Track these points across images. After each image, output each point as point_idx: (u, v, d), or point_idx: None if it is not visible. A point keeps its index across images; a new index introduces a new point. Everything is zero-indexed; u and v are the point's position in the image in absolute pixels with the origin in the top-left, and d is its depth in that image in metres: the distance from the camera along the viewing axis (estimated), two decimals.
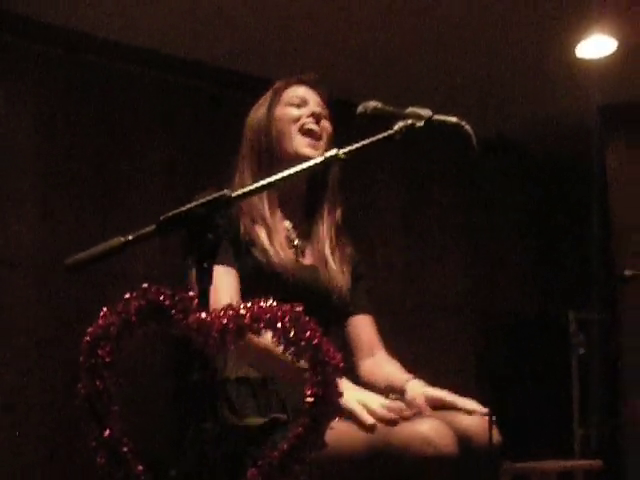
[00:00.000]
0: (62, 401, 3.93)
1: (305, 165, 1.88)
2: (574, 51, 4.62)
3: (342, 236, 2.58)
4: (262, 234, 2.39)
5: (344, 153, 1.89)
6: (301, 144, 2.47)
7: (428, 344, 5.32)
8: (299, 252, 2.47)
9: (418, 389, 2.31)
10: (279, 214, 2.48)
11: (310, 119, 2.50)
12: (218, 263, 1.88)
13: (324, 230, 2.52)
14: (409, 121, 2.01)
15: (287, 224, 2.50)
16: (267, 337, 2.07)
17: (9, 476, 3.82)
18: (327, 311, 2.39)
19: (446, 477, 1.91)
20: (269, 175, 1.98)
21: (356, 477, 2.00)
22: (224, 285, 2.30)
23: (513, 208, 5.89)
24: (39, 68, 4.17)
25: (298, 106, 2.52)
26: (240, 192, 1.74)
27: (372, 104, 2.25)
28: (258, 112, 2.55)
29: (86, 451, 1.63)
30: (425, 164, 5.34)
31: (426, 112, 2.03)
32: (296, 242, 2.48)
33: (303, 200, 2.55)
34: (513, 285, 5.81)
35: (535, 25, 4.36)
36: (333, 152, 1.88)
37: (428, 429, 1.94)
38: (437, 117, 2.02)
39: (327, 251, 2.48)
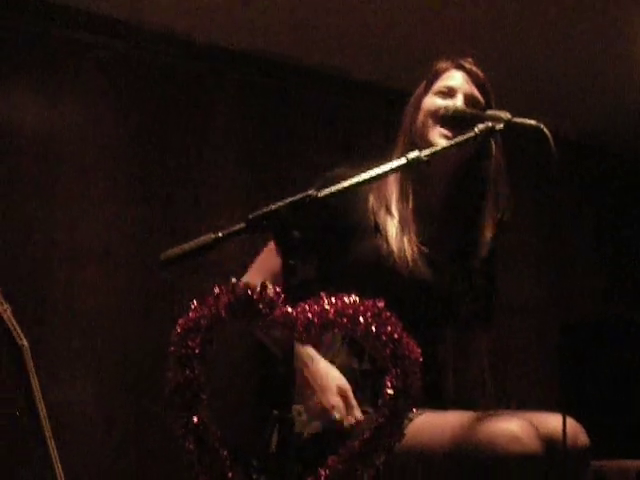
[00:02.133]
0: (147, 390, 4.03)
1: (388, 166, 1.89)
2: None
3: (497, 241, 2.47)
4: (391, 224, 2.31)
5: (426, 155, 1.93)
6: (435, 133, 2.34)
7: (509, 342, 5.32)
8: (426, 253, 2.34)
9: None
10: (410, 209, 2.36)
11: (446, 112, 2.35)
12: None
13: (480, 233, 2.41)
14: (489, 123, 2.06)
15: (419, 221, 2.37)
16: None
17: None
18: (440, 315, 2.39)
19: (531, 476, 1.91)
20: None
21: (439, 470, 2.01)
22: (264, 264, 2.33)
23: (591, 204, 5.85)
24: (114, 69, 4.22)
25: (444, 95, 2.40)
26: (328, 192, 1.79)
27: (453, 106, 2.31)
28: (414, 96, 2.46)
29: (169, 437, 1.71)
30: None
31: (505, 114, 2.07)
32: (425, 243, 2.35)
33: (444, 200, 2.42)
34: (595, 282, 5.78)
35: (601, 22, 4.32)
36: (415, 154, 1.91)
37: (516, 427, 1.93)
38: (516, 119, 2.06)
39: (476, 259, 2.39)
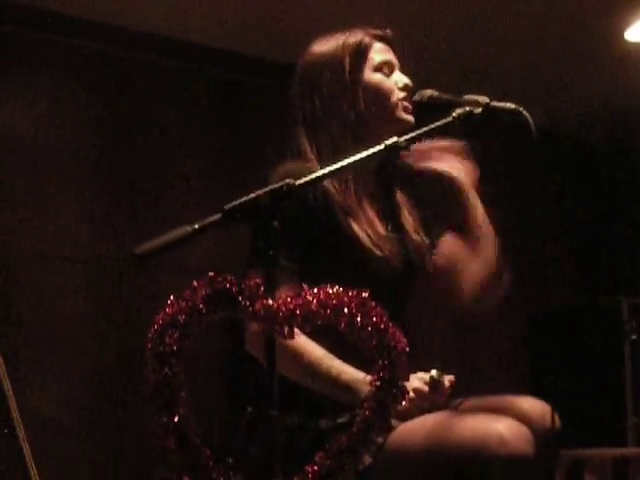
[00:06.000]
0: (119, 396, 3.97)
1: (369, 152, 1.84)
2: (623, 35, 4.58)
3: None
4: (360, 216, 2.22)
5: (405, 140, 1.88)
6: (401, 109, 2.27)
7: (478, 332, 5.31)
8: (393, 233, 2.28)
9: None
10: (368, 198, 2.27)
11: (404, 93, 2.29)
12: (282, 276, 1.82)
13: (405, 202, 2.38)
14: (467, 108, 2.02)
15: (374, 205, 2.29)
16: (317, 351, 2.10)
17: None
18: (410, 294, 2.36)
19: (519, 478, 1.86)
20: (352, 146, 2.00)
21: (425, 471, 1.95)
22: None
23: (561, 195, 5.85)
24: (86, 67, 4.18)
25: (387, 73, 2.30)
26: (307, 179, 1.73)
27: (428, 92, 2.25)
28: (332, 72, 2.28)
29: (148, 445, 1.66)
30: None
31: (483, 99, 2.04)
32: (387, 225, 2.29)
33: (376, 178, 2.32)
34: (564, 273, 5.78)
35: (584, 9, 4.33)
36: (394, 139, 1.87)
37: (503, 428, 1.88)
38: (495, 103, 2.03)
39: (413, 224, 2.35)
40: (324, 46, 2.33)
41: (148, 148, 4.32)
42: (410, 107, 2.28)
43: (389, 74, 2.31)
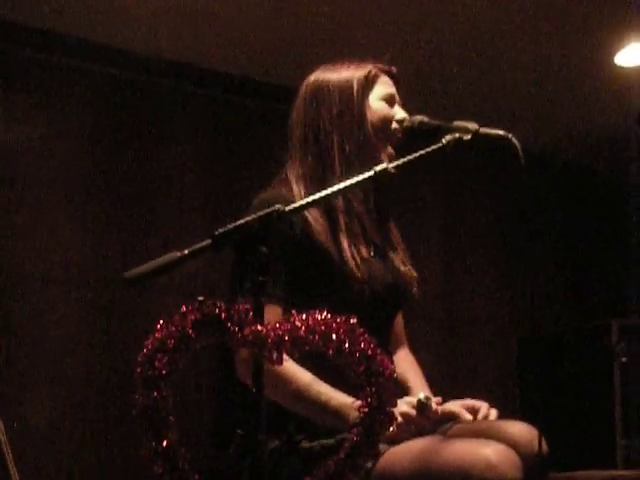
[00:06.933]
0: (110, 418, 3.97)
1: (356, 179, 1.87)
2: (613, 59, 4.60)
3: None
4: (342, 240, 2.25)
5: (394, 167, 1.90)
6: (386, 153, 2.35)
7: (467, 356, 5.31)
8: (376, 257, 2.34)
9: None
10: (354, 222, 2.31)
11: (399, 127, 2.37)
12: (267, 299, 1.81)
13: (395, 233, 2.47)
14: (457, 134, 2.03)
15: (361, 230, 2.33)
16: (306, 377, 2.11)
17: None
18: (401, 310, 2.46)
19: None
20: (354, 164, 2.08)
21: None
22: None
23: (550, 217, 5.86)
24: (80, 86, 4.19)
25: (389, 104, 2.39)
26: (296, 205, 1.75)
27: (419, 118, 2.28)
28: (342, 92, 2.36)
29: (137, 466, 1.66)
30: (463, 178, 5.34)
31: (473, 125, 2.06)
32: (371, 249, 2.34)
33: (370, 203, 2.37)
34: (553, 294, 5.78)
35: (574, 34, 4.35)
36: (383, 166, 1.88)
37: (492, 453, 1.89)
38: (484, 130, 2.05)
39: (401, 255, 2.42)
40: (333, 70, 2.42)
41: (146, 168, 4.33)
42: (394, 155, 2.34)
43: (391, 105, 2.39)
